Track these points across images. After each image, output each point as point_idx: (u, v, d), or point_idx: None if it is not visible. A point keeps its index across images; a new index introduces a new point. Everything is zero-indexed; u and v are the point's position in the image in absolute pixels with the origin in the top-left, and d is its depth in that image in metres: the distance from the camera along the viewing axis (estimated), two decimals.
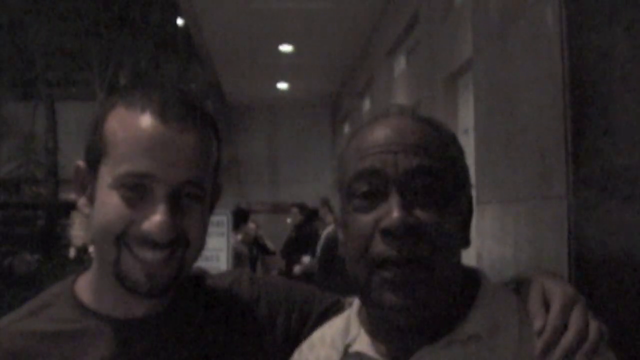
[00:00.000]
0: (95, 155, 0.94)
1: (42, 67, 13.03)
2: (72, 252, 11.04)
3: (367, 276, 0.86)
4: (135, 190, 0.90)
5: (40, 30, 11.95)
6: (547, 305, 0.88)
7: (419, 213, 0.85)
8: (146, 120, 0.91)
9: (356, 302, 0.99)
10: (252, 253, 8.45)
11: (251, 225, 8.72)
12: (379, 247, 0.85)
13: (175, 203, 0.91)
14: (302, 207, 8.20)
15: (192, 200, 0.93)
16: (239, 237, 7.07)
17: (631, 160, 1.23)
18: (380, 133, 0.90)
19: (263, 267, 8.67)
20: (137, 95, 0.95)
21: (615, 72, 1.24)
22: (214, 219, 4.98)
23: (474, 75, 1.91)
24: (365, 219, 0.86)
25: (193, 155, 0.92)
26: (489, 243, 1.66)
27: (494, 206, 1.62)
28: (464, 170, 0.94)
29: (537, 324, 0.86)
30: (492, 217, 1.64)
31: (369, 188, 0.87)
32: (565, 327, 0.85)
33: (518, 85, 1.49)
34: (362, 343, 0.92)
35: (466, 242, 0.94)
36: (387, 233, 0.84)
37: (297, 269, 7.62)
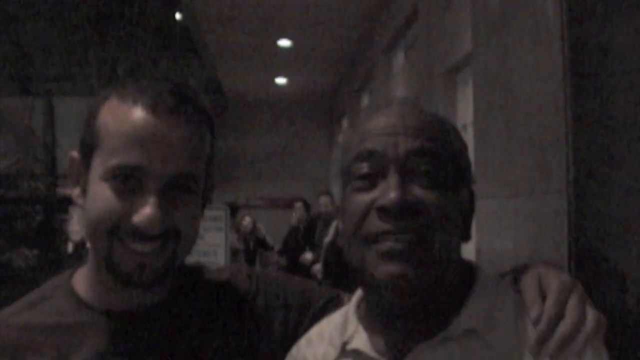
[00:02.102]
0: (89, 146, 0.94)
1: (39, 62, 12.99)
2: (70, 247, 11.03)
3: (361, 252, 0.86)
4: (126, 183, 0.90)
5: (37, 25, 11.92)
6: (544, 295, 0.87)
7: (417, 192, 0.84)
8: (137, 113, 0.91)
9: (355, 297, 0.98)
10: (249, 248, 8.44)
11: (247, 219, 8.70)
12: (374, 223, 0.84)
13: (166, 196, 0.91)
14: (306, 203, 8.07)
15: (184, 192, 0.93)
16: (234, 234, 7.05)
17: (630, 154, 1.22)
18: (382, 118, 0.90)
19: (261, 262, 8.65)
20: (130, 87, 0.95)
21: (615, 66, 1.23)
22: (212, 214, 4.97)
23: (473, 69, 1.90)
24: (363, 198, 0.86)
25: (185, 148, 0.92)
26: (488, 238, 1.65)
27: (494, 201, 1.61)
28: (466, 163, 0.93)
29: (534, 313, 0.85)
30: (491, 211, 1.63)
31: (368, 170, 0.87)
32: (562, 316, 0.84)
33: (518, 80, 1.48)
34: (360, 340, 0.91)
35: (466, 236, 0.93)
36: (383, 210, 0.83)
37: (316, 268, 7.17)
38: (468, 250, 0.98)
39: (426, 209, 0.84)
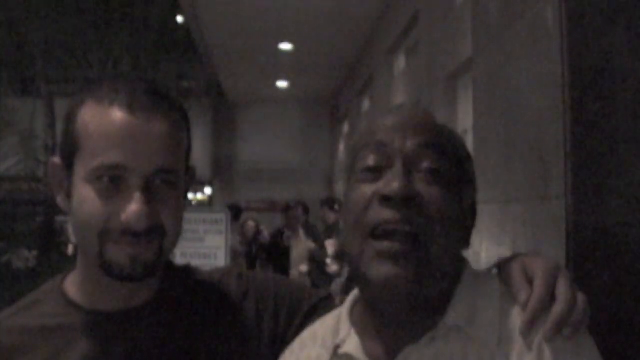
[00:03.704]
0: (69, 151, 0.96)
1: (41, 64, 13.00)
2: (70, 249, 11.04)
3: (360, 247, 0.86)
4: (110, 183, 0.92)
5: (39, 27, 11.93)
6: (530, 281, 0.86)
7: (420, 187, 0.85)
8: (115, 113, 0.93)
9: (348, 301, 0.99)
10: (251, 252, 8.43)
11: (250, 223, 8.69)
12: (376, 211, 0.85)
13: (150, 192, 0.93)
14: (305, 206, 8.04)
15: (166, 187, 0.95)
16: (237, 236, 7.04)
17: (630, 161, 1.22)
18: (392, 117, 0.92)
19: (262, 265, 8.65)
20: (105, 89, 0.97)
21: (615, 72, 1.23)
22: (212, 217, 4.97)
23: (473, 75, 1.91)
24: (366, 189, 0.87)
25: (163, 144, 0.94)
26: (486, 243, 1.65)
27: (492, 206, 1.62)
28: (471, 171, 0.94)
29: (522, 296, 0.84)
30: (490, 217, 1.64)
31: (374, 163, 0.88)
32: (552, 299, 0.83)
33: (517, 85, 1.49)
34: (352, 344, 0.91)
35: (466, 244, 0.93)
36: (386, 199, 0.84)
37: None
38: (467, 256, 0.98)
39: (427, 203, 0.84)
